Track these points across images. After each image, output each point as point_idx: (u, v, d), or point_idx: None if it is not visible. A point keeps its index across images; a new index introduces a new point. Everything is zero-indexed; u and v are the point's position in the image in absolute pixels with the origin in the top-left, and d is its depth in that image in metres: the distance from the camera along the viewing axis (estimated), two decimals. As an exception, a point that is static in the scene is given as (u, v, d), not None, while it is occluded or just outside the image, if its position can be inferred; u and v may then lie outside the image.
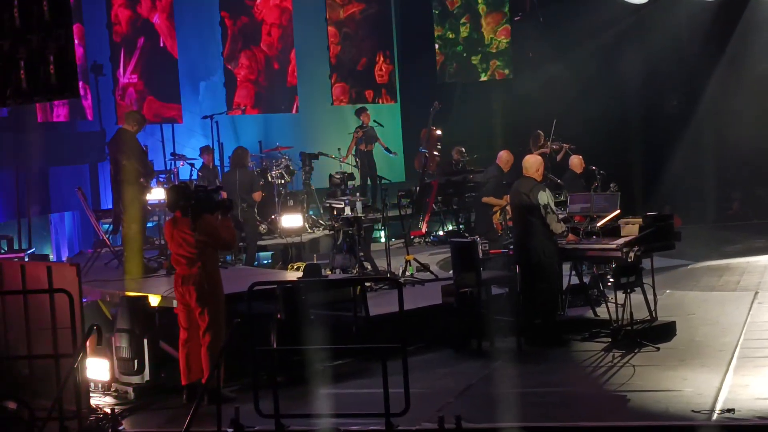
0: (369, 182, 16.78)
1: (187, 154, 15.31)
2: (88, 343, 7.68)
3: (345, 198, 13.05)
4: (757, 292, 11.57)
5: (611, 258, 9.84)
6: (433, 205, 16.17)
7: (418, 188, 16.60)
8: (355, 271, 12.09)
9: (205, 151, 15.22)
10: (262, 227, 14.30)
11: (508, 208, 11.45)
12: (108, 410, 8.18)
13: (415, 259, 12.68)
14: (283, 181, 14.95)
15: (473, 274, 9.80)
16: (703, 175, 18.15)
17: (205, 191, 8.61)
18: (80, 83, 14.11)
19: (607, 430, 7.27)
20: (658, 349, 9.22)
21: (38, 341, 8.34)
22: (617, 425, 7.30)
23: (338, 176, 15.20)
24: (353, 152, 16.87)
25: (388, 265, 12.54)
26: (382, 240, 14.26)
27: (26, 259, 11.27)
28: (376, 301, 10.33)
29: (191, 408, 6.85)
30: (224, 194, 8.96)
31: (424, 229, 15.98)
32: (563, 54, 18.24)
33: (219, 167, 15.69)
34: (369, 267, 12.47)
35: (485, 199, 13.31)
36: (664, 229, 9.89)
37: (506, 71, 19.96)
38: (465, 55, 20.16)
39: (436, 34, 20.11)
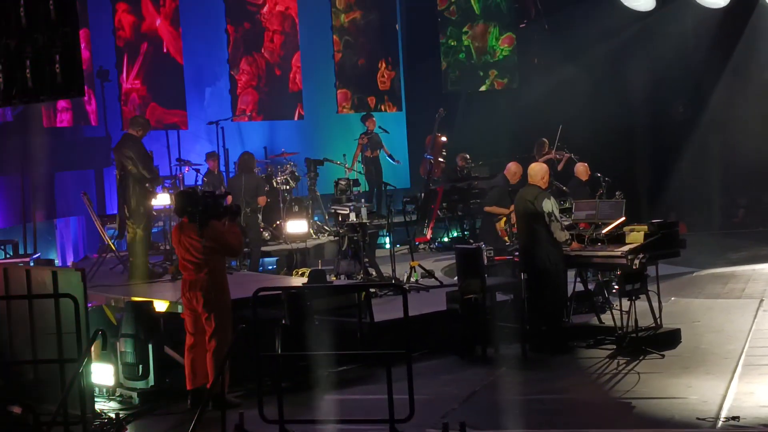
0: (375, 189, 16.79)
1: (193, 159, 15.34)
2: (92, 348, 7.68)
3: (350, 204, 13.05)
4: (762, 300, 11.56)
5: (616, 265, 9.82)
6: (438, 212, 16.16)
7: (423, 194, 16.61)
8: (359, 277, 12.09)
9: (210, 156, 15.24)
10: (266, 233, 14.31)
11: (513, 215, 11.45)
12: (112, 415, 8.20)
13: (419, 266, 12.67)
14: (288, 187, 14.96)
15: (478, 281, 9.79)
16: (709, 182, 18.16)
17: (213, 197, 8.62)
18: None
19: (611, 437, 7.28)
20: (663, 356, 9.21)
21: (43, 346, 8.34)
22: (622, 432, 7.30)
23: (343, 182, 15.21)
24: (359, 159, 16.89)
25: (393, 271, 12.53)
26: (387, 246, 14.24)
27: (31, 264, 11.27)
28: (380, 307, 10.33)
29: (195, 413, 6.85)
30: (229, 199, 8.95)
31: (428, 236, 15.98)
32: (569, 61, 18.25)
33: (224, 173, 15.71)
34: (374, 273, 12.47)
35: (487, 209, 13.31)
36: (669, 236, 9.87)
37: (505, 80, 19.97)
38: (467, 63, 20.19)
39: (440, 41, 20.15)
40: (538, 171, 10.16)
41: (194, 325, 8.49)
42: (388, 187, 14.49)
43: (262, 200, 13.49)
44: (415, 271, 12.52)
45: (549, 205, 9.82)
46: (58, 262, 13.71)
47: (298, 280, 10.96)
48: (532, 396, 8.22)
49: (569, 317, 10.37)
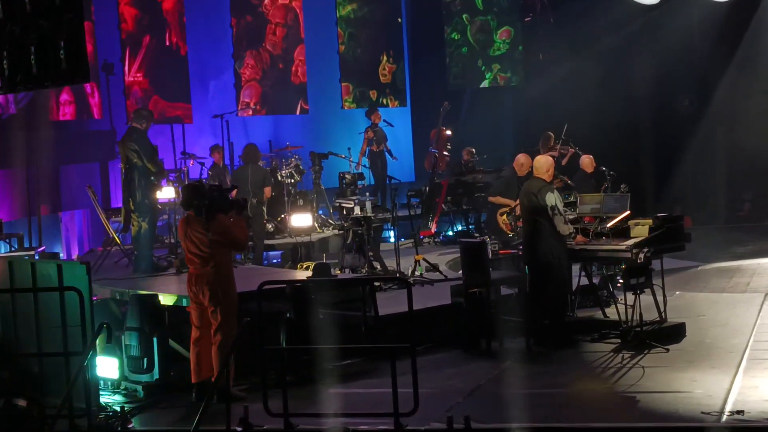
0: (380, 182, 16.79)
1: (197, 153, 15.34)
2: (97, 341, 7.69)
3: (354, 198, 13.05)
4: (767, 294, 11.53)
5: (621, 259, 9.82)
6: (443, 205, 16.16)
7: (427, 188, 16.60)
8: (364, 271, 12.10)
9: (214, 149, 15.25)
10: (269, 226, 14.30)
11: (517, 209, 11.44)
12: (117, 408, 8.22)
13: (424, 259, 12.68)
14: (292, 181, 14.94)
15: (483, 275, 9.79)
16: (714, 176, 18.10)
17: (219, 191, 8.63)
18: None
19: (616, 431, 7.26)
20: (668, 350, 9.20)
21: (48, 339, 8.36)
22: (626, 426, 7.30)
23: (348, 176, 15.22)
24: (365, 153, 16.89)
25: (398, 264, 12.54)
26: (392, 240, 14.27)
27: (36, 257, 11.28)
28: (385, 300, 10.34)
29: (200, 406, 6.86)
30: (234, 193, 8.95)
31: (433, 229, 15.98)
32: (574, 55, 18.21)
33: (229, 166, 15.71)
34: (378, 267, 12.48)
35: (491, 199, 13.24)
36: (674, 230, 9.86)
37: (507, 74, 19.94)
38: (470, 57, 20.16)
39: (445, 35, 20.12)
40: (543, 164, 10.14)
41: (200, 318, 8.49)
42: (393, 181, 14.47)
43: (268, 191, 13.44)
44: (419, 265, 12.53)
45: (552, 198, 9.80)
46: (63, 255, 13.73)
47: (302, 274, 10.95)
48: (537, 390, 8.22)
49: (574, 311, 10.37)
